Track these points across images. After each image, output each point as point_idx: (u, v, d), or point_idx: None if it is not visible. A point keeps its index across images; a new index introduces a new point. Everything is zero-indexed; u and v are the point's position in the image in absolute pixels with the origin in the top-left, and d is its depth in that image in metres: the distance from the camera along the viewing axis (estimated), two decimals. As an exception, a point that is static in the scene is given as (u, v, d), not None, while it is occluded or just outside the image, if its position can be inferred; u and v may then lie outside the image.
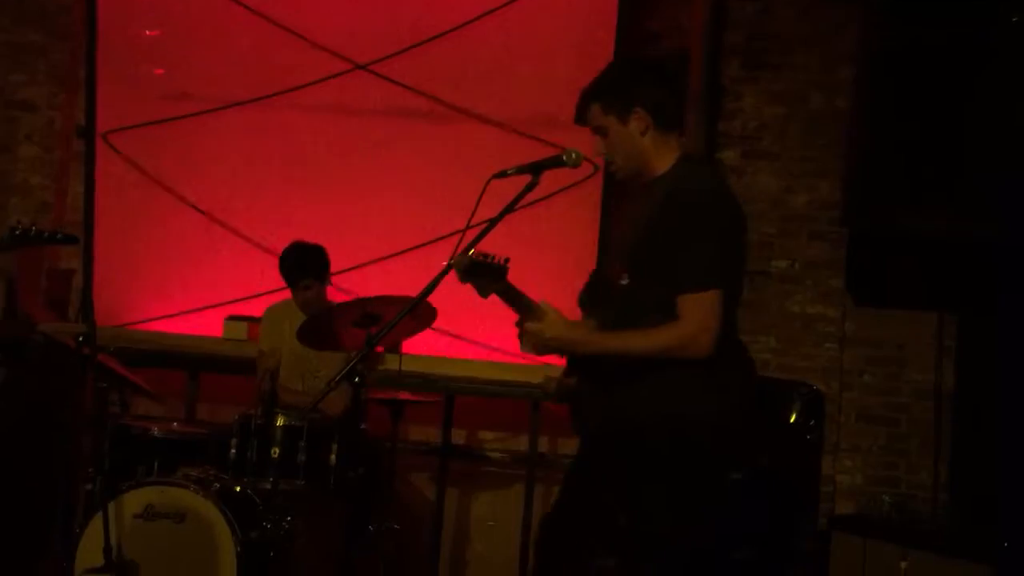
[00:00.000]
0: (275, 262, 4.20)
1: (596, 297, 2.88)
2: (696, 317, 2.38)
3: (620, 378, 2.47)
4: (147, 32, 5.14)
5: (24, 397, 4.82)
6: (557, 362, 2.76)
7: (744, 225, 2.54)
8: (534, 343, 2.49)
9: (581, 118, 2.57)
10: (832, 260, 4.59)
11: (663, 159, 2.53)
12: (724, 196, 2.52)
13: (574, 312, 3.08)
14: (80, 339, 3.50)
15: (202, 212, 4.96)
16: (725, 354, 2.42)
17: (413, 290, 2.72)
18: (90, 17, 4.46)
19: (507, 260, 2.41)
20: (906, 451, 4.51)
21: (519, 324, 2.54)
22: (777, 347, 4.64)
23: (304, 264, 4.03)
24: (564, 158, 2.49)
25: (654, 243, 2.45)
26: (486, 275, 2.42)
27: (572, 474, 2.73)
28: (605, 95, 2.53)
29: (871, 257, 4.39)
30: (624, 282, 2.52)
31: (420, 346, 4.30)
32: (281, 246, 4.21)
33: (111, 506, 3.26)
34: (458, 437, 4.77)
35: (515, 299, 2.51)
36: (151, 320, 4.96)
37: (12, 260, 4.86)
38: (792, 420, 4.07)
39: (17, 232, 3.20)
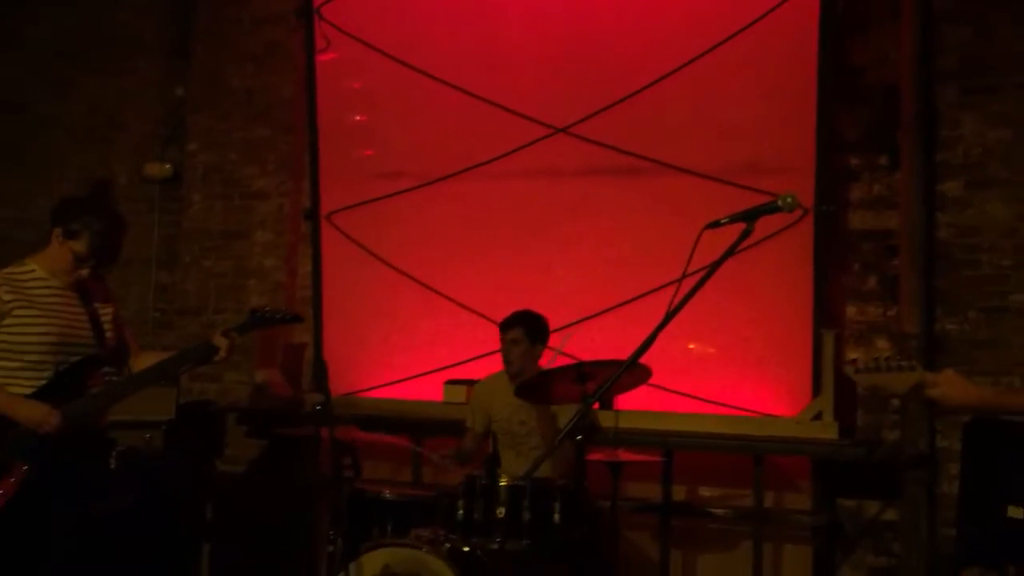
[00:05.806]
0: (489, 326, 4.31)
1: None
2: None
3: None
4: (357, 117, 5.51)
5: (275, 464, 5.19)
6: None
7: None
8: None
9: None
10: (1080, 290, 4.21)
11: None
12: None
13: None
14: (317, 408, 3.74)
15: (419, 282, 5.19)
16: None
17: (628, 343, 2.71)
18: (310, 109, 4.87)
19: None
20: None
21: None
22: (1024, 388, 4.27)
23: (514, 318, 4.17)
24: (779, 203, 2.44)
25: None
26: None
27: None
28: None
29: None
30: None
31: (636, 402, 4.27)
32: (495, 310, 4.33)
33: (352, 567, 3.44)
34: (679, 494, 4.67)
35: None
36: (376, 388, 5.21)
37: (254, 338, 5.27)
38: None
39: (257, 315, 3.63)
